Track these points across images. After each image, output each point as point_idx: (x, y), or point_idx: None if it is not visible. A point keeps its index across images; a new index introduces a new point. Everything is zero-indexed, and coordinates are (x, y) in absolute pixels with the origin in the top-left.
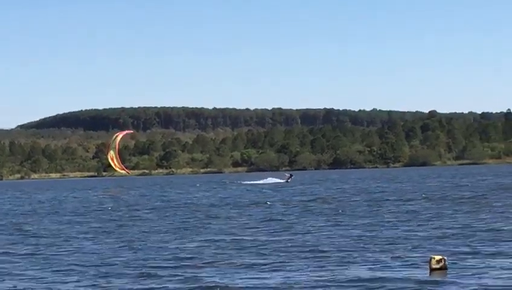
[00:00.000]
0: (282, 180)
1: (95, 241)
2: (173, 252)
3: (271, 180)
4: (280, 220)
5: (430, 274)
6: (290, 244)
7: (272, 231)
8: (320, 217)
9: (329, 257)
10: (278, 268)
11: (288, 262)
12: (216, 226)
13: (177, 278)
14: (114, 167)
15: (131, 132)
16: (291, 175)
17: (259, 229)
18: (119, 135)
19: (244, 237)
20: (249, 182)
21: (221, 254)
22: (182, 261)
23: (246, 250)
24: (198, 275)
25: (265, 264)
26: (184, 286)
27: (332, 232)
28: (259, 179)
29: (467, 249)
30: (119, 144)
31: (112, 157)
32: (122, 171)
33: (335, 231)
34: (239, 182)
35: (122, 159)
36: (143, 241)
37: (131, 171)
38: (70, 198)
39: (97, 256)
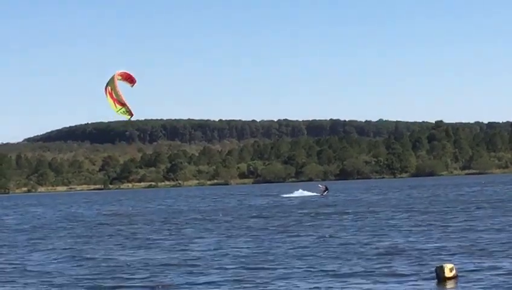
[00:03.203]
0: (316, 193)
1: None
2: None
3: (302, 193)
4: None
5: (441, 284)
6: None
7: None
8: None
9: (325, 268)
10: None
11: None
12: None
13: None
14: (113, 103)
15: (134, 80)
16: (326, 188)
17: None
18: (118, 72)
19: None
20: (284, 195)
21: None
22: None
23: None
24: None
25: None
26: None
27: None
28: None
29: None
30: (117, 80)
31: (110, 91)
32: (122, 110)
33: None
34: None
35: (128, 172)
36: None
37: (137, 184)
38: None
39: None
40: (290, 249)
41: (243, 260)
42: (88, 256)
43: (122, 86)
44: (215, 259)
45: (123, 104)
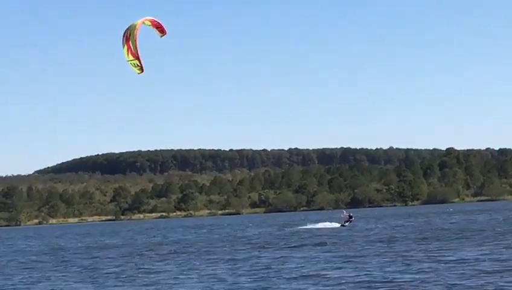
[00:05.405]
0: (337, 225)
1: None
2: None
3: (324, 224)
4: None
5: None
6: None
7: None
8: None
9: None
10: None
11: None
12: None
13: None
14: (126, 50)
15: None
16: (350, 216)
17: None
18: (145, 18)
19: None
20: (303, 227)
21: None
22: None
23: None
24: None
25: None
26: None
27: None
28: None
29: None
30: (139, 29)
31: (128, 37)
32: (134, 62)
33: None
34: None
35: (139, 203)
36: None
37: (149, 214)
38: None
39: None
40: None
41: None
42: None
43: (147, 34)
44: None
45: (136, 57)
